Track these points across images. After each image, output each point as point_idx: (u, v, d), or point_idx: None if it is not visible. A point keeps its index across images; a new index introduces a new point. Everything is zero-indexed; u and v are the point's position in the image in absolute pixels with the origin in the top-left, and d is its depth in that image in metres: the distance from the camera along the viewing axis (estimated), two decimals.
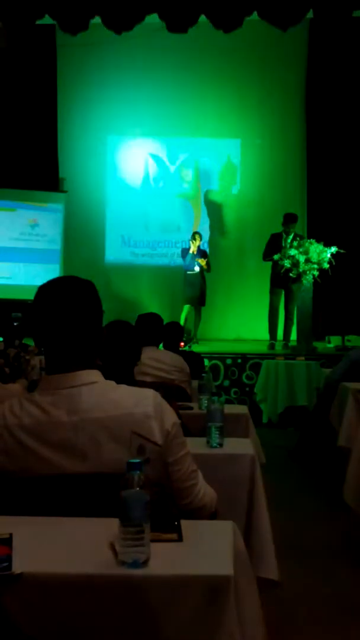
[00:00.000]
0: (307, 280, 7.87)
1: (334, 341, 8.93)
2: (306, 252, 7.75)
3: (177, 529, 1.50)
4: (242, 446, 2.80)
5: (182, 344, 6.06)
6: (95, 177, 10.38)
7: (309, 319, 8.10)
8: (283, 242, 8.49)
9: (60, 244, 9.89)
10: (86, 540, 1.48)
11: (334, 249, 7.76)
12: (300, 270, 7.81)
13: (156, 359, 4.00)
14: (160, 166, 10.47)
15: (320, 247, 7.78)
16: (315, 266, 7.77)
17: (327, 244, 7.82)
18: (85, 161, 10.33)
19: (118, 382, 1.76)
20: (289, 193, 10.24)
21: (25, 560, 1.34)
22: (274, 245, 8.54)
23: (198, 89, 10.05)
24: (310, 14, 8.23)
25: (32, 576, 1.32)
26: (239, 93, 10.12)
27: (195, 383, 4.20)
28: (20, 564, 1.33)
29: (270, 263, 8.60)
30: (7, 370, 3.77)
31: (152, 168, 10.48)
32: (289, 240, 8.42)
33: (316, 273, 7.81)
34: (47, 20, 8.21)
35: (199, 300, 9.12)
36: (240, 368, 7.98)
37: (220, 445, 2.72)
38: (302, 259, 7.75)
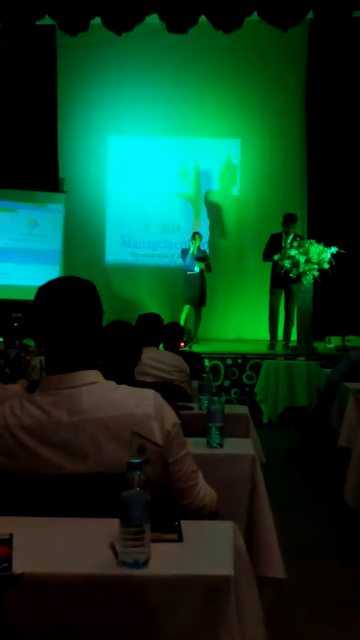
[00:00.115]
0: (308, 280, 7.87)
1: (334, 341, 8.92)
2: (306, 253, 7.75)
3: (178, 529, 1.50)
4: (243, 446, 2.80)
5: (182, 344, 6.07)
6: (96, 177, 10.38)
7: (309, 319, 8.09)
8: (283, 242, 8.49)
9: (61, 244, 9.89)
10: (86, 541, 1.49)
11: (334, 249, 7.76)
12: (301, 270, 7.81)
13: (156, 359, 4.00)
14: (160, 166, 10.47)
15: (321, 247, 7.78)
16: (316, 266, 7.77)
17: (327, 244, 7.82)
18: (85, 161, 10.33)
19: (118, 383, 1.76)
20: (289, 193, 10.24)
21: (26, 561, 1.34)
22: (274, 245, 8.55)
23: (198, 89, 10.05)
24: (310, 15, 8.24)
25: (33, 576, 1.32)
26: (239, 93, 10.12)
27: (195, 383, 4.20)
28: (20, 564, 1.33)
29: (270, 263, 8.61)
30: (7, 371, 3.77)
31: (152, 168, 10.47)
32: (288, 241, 8.42)
33: (316, 273, 7.81)
34: (47, 20, 8.22)
35: (199, 301, 9.13)
36: (240, 368, 7.98)
37: (221, 445, 2.72)
38: (302, 259, 7.74)
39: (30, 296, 1.78)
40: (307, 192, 10.34)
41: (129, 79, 9.92)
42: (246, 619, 1.37)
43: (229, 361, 8.00)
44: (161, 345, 4.51)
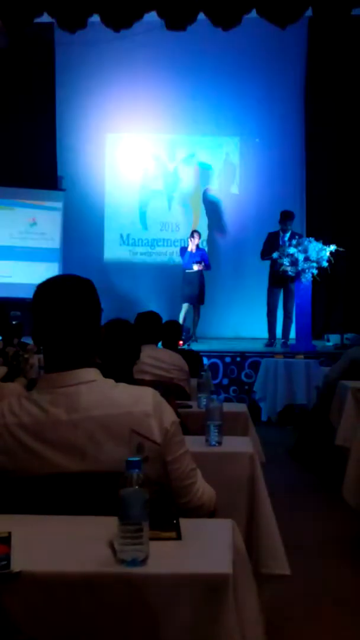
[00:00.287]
0: (306, 278, 7.87)
1: (333, 339, 8.93)
2: (305, 251, 7.75)
3: (176, 528, 1.49)
4: (241, 444, 2.80)
5: (181, 342, 6.06)
6: (94, 175, 10.38)
7: (308, 317, 8.10)
8: (280, 240, 8.49)
9: (59, 242, 9.89)
10: (85, 539, 1.48)
11: (332, 247, 7.76)
12: (299, 268, 7.81)
13: (155, 357, 4.00)
14: (159, 164, 10.46)
15: (319, 245, 7.79)
16: (314, 264, 7.77)
17: (326, 242, 7.83)
18: (83, 159, 10.33)
19: (117, 381, 1.75)
20: (288, 191, 10.22)
21: (24, 559, 1.34)
22: (271, 243, 8.55)
23: (197, 87, 10.05)
24: (309, 12, 8.22)
25: (31, 575, 1.32)
26: (238, 91, 10.11)
27: (194, 381, 4.20)
28: (19, 563, 1.33)
29: (269, 261, 8.60)
30: (5, 369, 3.75)
31: (151, 166, 10.47)
32: (286, 238, 8.42)
33: (315, 271, 7.81)
34: (45, 18, 8.20)
35: (197, 299, 9.13)
36: (239, 366, 7.98)
37: (219, 443, 2.72)
38: (301, 257, 7.75)
39: (29, 294, 1.78)
40: (306, 190, 10.33)
41: (127, 76, 9.90)
42: (245, 617, 1.37)
43: (227, 359, 8.00)
44: (160, 344, 4.51)
